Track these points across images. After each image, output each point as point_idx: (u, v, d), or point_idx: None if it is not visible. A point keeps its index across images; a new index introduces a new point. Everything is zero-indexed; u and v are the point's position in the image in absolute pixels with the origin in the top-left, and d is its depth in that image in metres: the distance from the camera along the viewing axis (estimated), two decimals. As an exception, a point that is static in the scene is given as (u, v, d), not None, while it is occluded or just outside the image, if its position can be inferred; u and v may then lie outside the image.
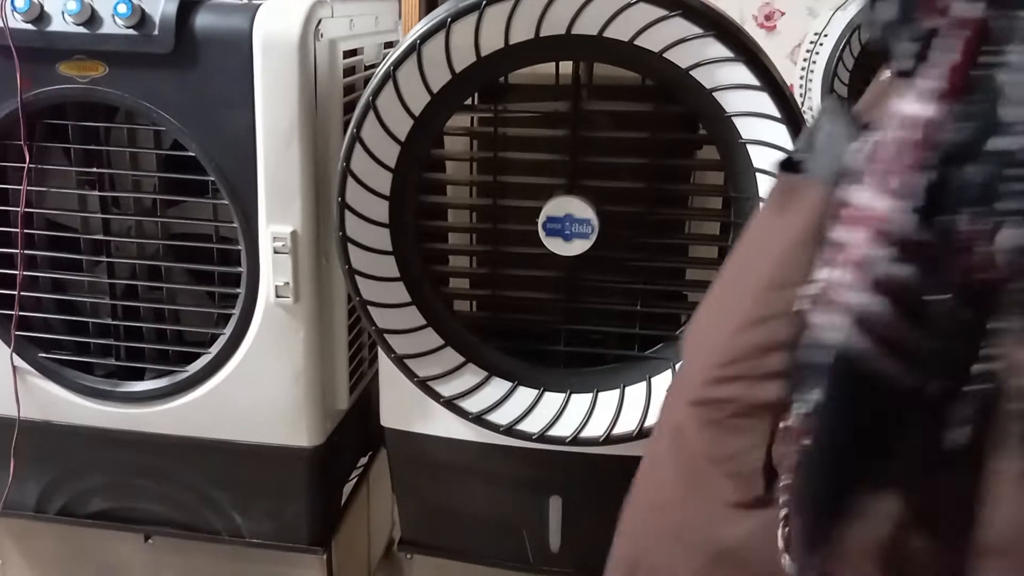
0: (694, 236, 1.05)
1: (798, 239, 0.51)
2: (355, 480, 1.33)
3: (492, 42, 0.92)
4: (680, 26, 0.88)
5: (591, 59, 0.95)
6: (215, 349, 1.10)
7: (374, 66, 1.12)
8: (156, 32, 0.97)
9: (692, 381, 0.57)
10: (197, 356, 1.12)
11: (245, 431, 1.12)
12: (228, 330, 1.08)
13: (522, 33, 0.92)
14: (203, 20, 0.97)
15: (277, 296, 1.04)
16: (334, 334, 1.12)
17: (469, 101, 0.99)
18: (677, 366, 1.02)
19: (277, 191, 1.01)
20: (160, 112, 0.99)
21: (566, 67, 0.97)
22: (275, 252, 1.02)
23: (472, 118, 1.02)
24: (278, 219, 1.02)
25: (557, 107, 0.97)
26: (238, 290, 1.08)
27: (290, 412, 1.10)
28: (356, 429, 1.27)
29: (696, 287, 1.03)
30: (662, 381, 1.03)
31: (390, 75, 0.93)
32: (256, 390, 1.09)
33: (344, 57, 1.05)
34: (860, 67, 1.86)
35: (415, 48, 0.92)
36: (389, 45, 1.25)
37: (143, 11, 0.96)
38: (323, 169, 1.03)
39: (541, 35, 0.92)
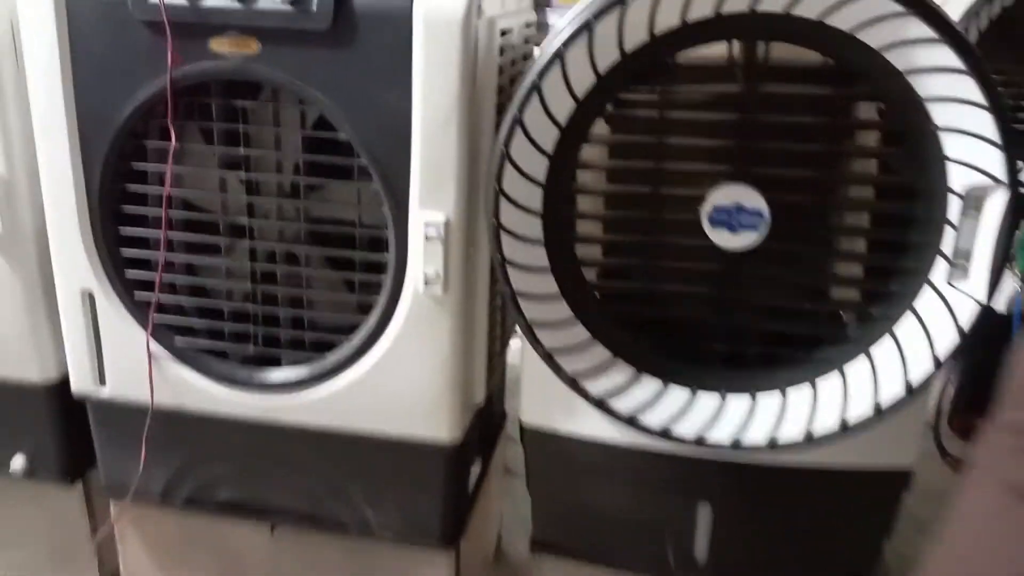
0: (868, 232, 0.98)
1: None
2: (477, 477, 1.30)
3: (668, 20, 0.88)
4: (876, 3, 0.82)
5: (774, 39, 0.89)
6: (357, 338, 1.07)
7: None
8: (314, 8, 0.94)
9: None
10: (333, 345, 1.09)
11: (383, 423, 1.09)
12: (372, 319, 1.06)
13: (701, 10, 0.87)
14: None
15: (426, 284, 1.01)
16: (476, 326, 1.08)
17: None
18: (845, 368, 0.96)
19: (432, 176, 0.97)
20: (315, 91, 0.97)
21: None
22: (427, 239, 0.99)
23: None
24: (431, 205, 0.98)
25: (730, 89, 0.92)
26: (381, 277, 1.05)
27: (431, 405, 1.06)
28: (482, 424, 1.23)
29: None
30: (827, 385, 0.97)
31: (560, 56, 0.88)
32: (398, 382, 1.06)
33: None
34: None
35: (588, 26, 0.87)
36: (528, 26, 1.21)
37: (300, -14, 0.94)
38: (476, 152, 1.00)
39: (722, 13, 0.87)
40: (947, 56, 0.82)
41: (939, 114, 0.85)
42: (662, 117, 0.93)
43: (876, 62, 0.85)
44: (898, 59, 0.84)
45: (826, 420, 0.96)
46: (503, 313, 1.22)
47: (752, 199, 0.92)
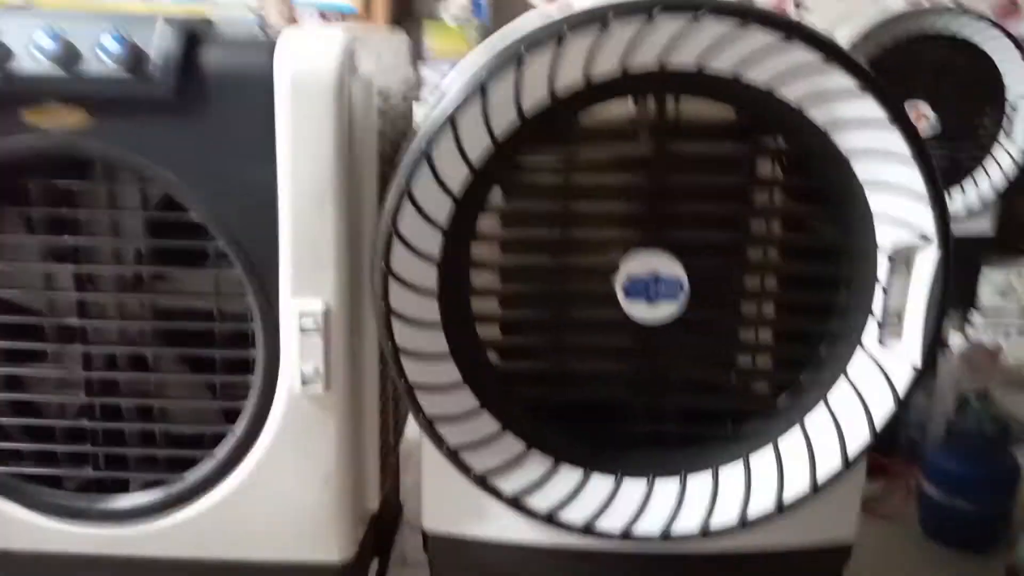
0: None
1: None
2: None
3: (570, 78, 0.78)
4: (793, 55, 0.76)
5: (684, 94, 0.81)
6: (222, 451, 0.90)
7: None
8: (154, 73, 0.79)
9: None
10: (194, 461, 0.92)
11: (260, 549, 0.92)
12: (240, 427, 0.90)
13: (606, 68, 0.78)
14: (212, 58, 0.80)
15: (303, 384, 0.86)
16: (365, 424, 0.94)
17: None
18: (778, 441, 0.89)
19: (306, 259, 0.84)
20: (159, 168, 0.81)
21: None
22: (302, 331, 0.84)
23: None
24: (306, 292, 0.84)
25: (638, 150, 0.83)
26: (249, 378, 0.89)
27: (317, 522, 0.91)
28: (377, 526, 1.08)
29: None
30: (760, 461, 0.89)
31: (452, 120, 0.77)
32: (275, 499, 0.90)
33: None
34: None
35: (482, 87, 0.77)
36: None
37: (136, 48, 0.78)
38: (357, 230, 0.87)
39: (628, 71, 0.78)
40: (869, 108, 0.77)
41: (862, 169, 0.80)
42: (566, 182, 0.84)
43: (794, 117, 0.79)
44: (818, 113, 0.79)
45: (761, 500, 0.88)
46: (396, 402, 1.08)
47: (669, 267, 0.84)
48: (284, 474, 0.90)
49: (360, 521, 0.96)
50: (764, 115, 0.81)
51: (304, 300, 0.84)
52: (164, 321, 0.91)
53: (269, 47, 0.81)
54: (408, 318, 0.84)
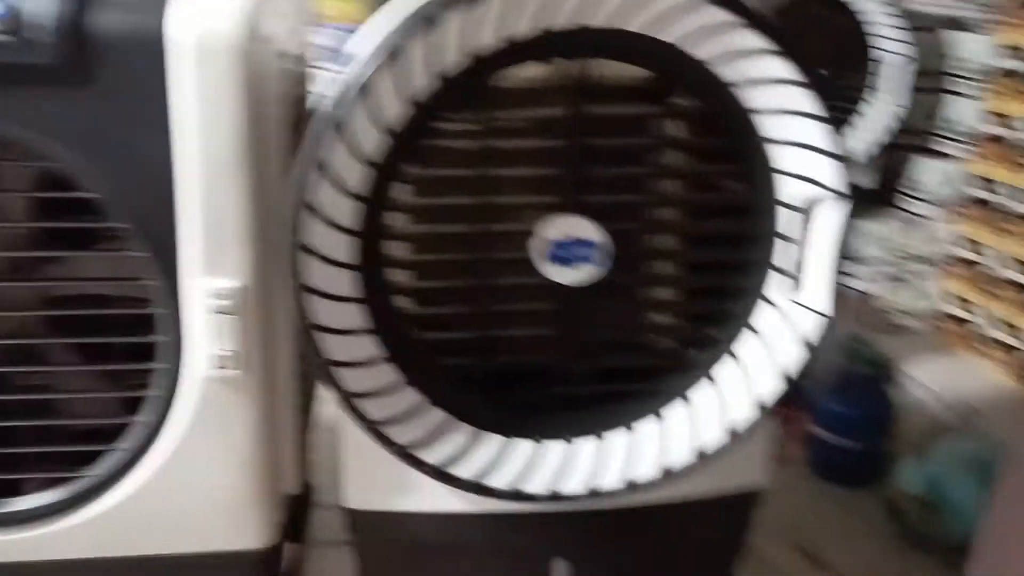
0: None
1: None
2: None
3: (485, 39, 0.77)
4: (705, 15, 0.77)
5: (599, 55, 0.81)
6: (127, 443, 0.85)
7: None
8: (34, 36, 0.72)
9: None
10: (98, 455, 0.87)
11: (175, 541, 0.88)
12: (145, 417, 0.85)
13: (521, 27, 0.77)
14: (101, 19, 0.73)
15: (218, 367, 0.82)
16: (282, 405, 0.91)
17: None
18: (690, 395, 0.91)
19: (216, 236, 0.79)
20: (44, 142, 0.75)
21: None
22: (216, 312, 0.80)
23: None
24: (217, 270, 0.80)
25: (555, 113, 0.83)
26: (155, 365, 0.84)
27: (236, 509, 0.88)
28: (294, 509, 1.05)
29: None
30: (675, 415, 0.92)
31: (366, 86, 0.75)
32: (189, 488, 0.86)
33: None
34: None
35: (396, 50, 0.74)
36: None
37: (15, 8, 0.71)
38: (265, 205, 0.83)
39: (543, 29, 0.77)
40: (776, 67, 0.79)
41: (769, 126, 0.82)
42: (484, 146, 0.83)
43: (705, 76, 0.81)
44: (727, 72, 0.80)
45: (680, 452, 0.90)
46: (308, 380, 1.05)
47: (587, 230, 0.84)
48: (198, 462, 0.85)
49: (279, 505, 0.93)
50: (676, 75, 0.81)
51: (217, 280, 0.80)
52: (56, 309, 0.84)
53: (162, 5, 0.75)
54: (325, 293, 0.81)
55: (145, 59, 0.74)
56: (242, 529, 0.89)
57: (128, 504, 0.86)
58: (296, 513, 1.09)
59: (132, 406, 0.86)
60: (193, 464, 0.85)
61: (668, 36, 0.79)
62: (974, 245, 2.03)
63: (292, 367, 0.91)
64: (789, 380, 0.87)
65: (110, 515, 0.86)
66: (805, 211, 0.84)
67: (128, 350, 0.85)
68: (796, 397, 1.69)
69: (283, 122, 0.84)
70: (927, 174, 2.13)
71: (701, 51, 0.79)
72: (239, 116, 0.76)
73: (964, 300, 2.04)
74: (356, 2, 2.13)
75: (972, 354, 1.98)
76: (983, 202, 2.00)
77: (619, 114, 0.84)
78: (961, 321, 2.03)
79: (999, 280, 1.93)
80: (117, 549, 0.87)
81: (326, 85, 0.79)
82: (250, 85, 0.76)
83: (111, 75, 0.74)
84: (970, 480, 1.43)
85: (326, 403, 1.35)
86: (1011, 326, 1.90)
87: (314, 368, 0.83)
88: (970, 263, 2.02)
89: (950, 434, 1.64)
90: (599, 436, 0.92)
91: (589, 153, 0.83)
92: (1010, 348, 1.89)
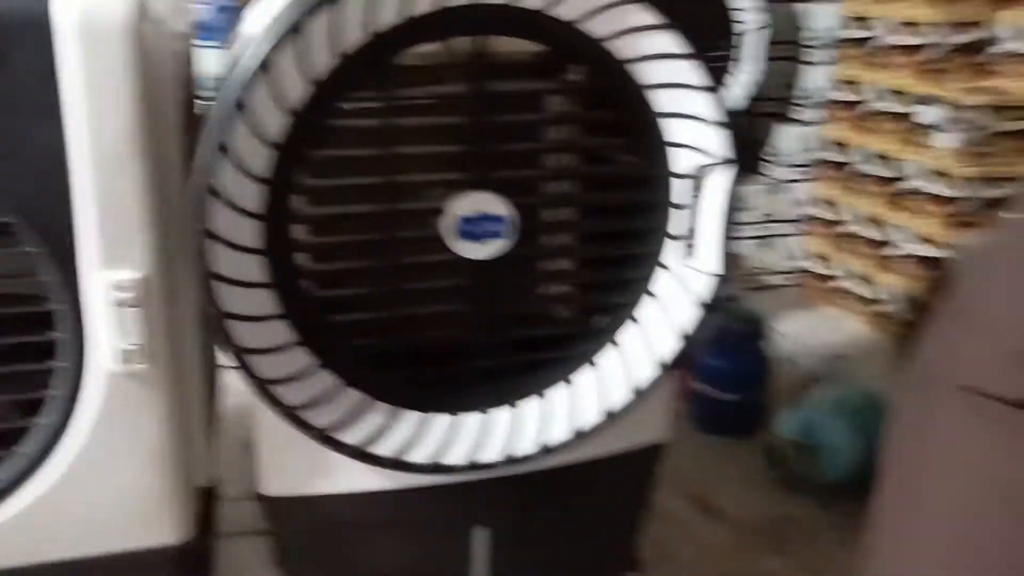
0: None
1: None
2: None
3: (386, 16, 0.77)
4: (597, -8, 0.80)
5: (496, 32, 0.83)
6: (29, 447, 0.82)
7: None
8: (-96, 21, 0.67)
9: None
10: (-4, 460, 0.83)
11: (88, 543, 0.85)
12: (48, 418, 0.81)
13: (421, 5, 0.78)
14: (-23, 2, 0.69)
15: (123, 361, 0.80)
16: (190, 397, 0.89)
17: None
18: (596, 360, 0.95)
19: (113, 226, 0.76)
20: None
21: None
22: (118, 305, 0.78)
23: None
24: (117, 262, 0.77)
25: (456, 89, 0.84)
26: (55, 364, 0.81)
27: (150, 505, 0.86)
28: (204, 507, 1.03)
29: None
30: (582, 379, 0.95)
31: (265, 65, 0.74)
32: (100, 487, 0.83)
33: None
34: None
35: (296, 28, 0.73)
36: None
37: None
38: (164, 190, 0.80)
39: (444, 6, 0.79)
40: (666, 42, 0.83)
41: (659, 99, 0.87)
42: (388, 125, 0.83)
43: (598, 53, 0.84)
44: (620, 47, 0.84)
45: (590, 413, 0.94)
46: (213, 370, 1.03)
47: (494, 205, 0.86)
48: (107, 460, 0.83)
49: (193, 497, 0.91)
50: (572, 51, 0.84)
51: (117, 272, 0.77)
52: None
53: (47, -13, 0.72)
54: (233, 279, 0.80)
55: (30, 42, 0.71)
56: (158, 525, 0.87)
57: (36, 509, 0.83)
58: (209, 505, 1.07)
59: (33, 408, 0.83)
60: (103, 463, 0.83)
61: (563, 14, 0.81)
62: (831, 206, 2.17)
63: (198, 358, 0.90)
64: (686, 338, 0.93)
65: (16, 521, 0.82)
66: (695, 178, 0.89)
67: (26, 349, 0.81)
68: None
69: (179, 105, 0.82)
70: (786, 140, 2.27)
71: (594, 27, 0.82)
72: (132, 100, 0.74)
73: (824, 258, 2.19)
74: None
75: (836, 308, 2.13)
76: (838, 164, 2.14)
77: (518, 90, 0.86)
78: (824, 277, 2.18)
79: (856, 237, 2.08)
80: (29, 556, 0.84)
81: (225, 65, 0.78)
82: (142, 68, 0.74)
83: (-8, 60, 0.71)
84: (841, 423, 1.55)
85: (229, 395, 1.33)
86: (868, 280, 2.05)
87: (225, 355, 0.82)
88: (829, 222, 2.17)
89: (820, 383, 1.77)
90: (513, 405, 0.95)
91: (491, 129, 0.85)
92: (868, 300, 2.05)
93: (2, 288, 0.79)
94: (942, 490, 0.61)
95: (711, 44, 2.17)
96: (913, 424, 0.70)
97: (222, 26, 2.02)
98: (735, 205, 0.89)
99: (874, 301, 2.02)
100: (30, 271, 0.78)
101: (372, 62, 0.79)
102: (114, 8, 0.72)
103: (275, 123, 0.77)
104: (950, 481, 0.60)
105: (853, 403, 1.58)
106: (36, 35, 0.71)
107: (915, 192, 1.92)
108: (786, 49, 2.20)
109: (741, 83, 2.18)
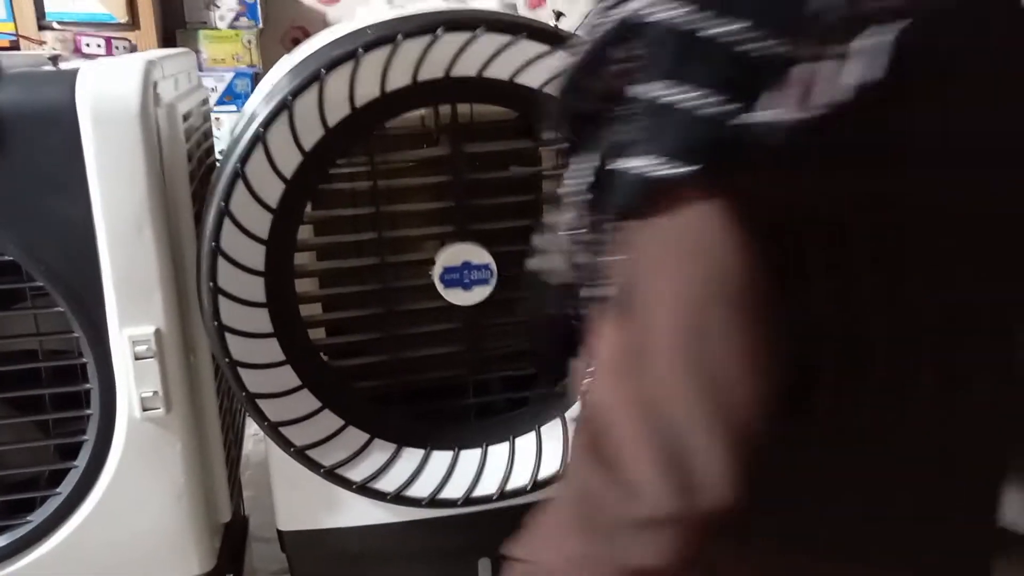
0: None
1: None
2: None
3: (367, 91, 0.86)
4: (557, 62, 0.88)
5: (470, 100, 0.91)
6: (66, 487, 0.91)
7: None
8: (-53, 116, 0.78)
9: None
10: (34, 504, 0.92)
11: (117, 575, 0.93)
12: (82, 461, 0.90)
13: (399, 79, 0.87)
14: (8, 94, 0.80)
15: (144, 409, 0.88)
16: (210, 439, 0.97)
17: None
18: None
19: (131, 287, 0.86)
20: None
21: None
22: (136, 359, 0.87)
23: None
24: (135, 319, 0.87)
25: (436, 152, 0.92)
26: (85, 412, 0.90)
27: (174, 539, 0.94)
28: (229, 535, 1.11)
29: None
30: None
31: (259, 138, 0.83)
32: (128, 524, 0.92)
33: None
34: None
35: (286, 105, 0.83)
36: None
37: (-75, 91, 0.78)
38: (177, 252, 0.90)
39: (419, 80, 0.87)
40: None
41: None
42: (376, 186, 0.92)
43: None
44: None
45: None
46: (234, 414, 1.11)
47: (478, 255, 0.94)
48: (134, 499, 0.91)
49: (215, 532, 0.99)
50: (539, 113, 0.92)
51: (134, 328, 0.87)
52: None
53: (69, 80, 0.82)
54: (241, 331, 0.89)
55: (57, 129, 0.82)
56: (181, 557, 0.95)
57: (71, 544, 0.91)
58: (234, 545, 1.15)
59: (70, 453, 0.92)
60: (130, 500, 0.91)
61: (530, 81, 0.89)
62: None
63: (216, 401, 0.98)
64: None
65: (55, 556, 0.91)
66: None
67: (59, 400, 0.91)
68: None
69: (189, 178, 0.91)
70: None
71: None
72: (143, 177, 0.83)
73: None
74: (236, 44, 2.21)
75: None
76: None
77: (494, 150, 0.94)
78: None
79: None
80: (65, 589, 0.92)
81: (228, 139, 0.88)
82: (151, 148, 0.83)
83: (25, 145, 0.81)
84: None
85: (256, 441, 1.42)
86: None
87: (239, 401, 0.91)
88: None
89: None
90: (511, 440, 1.01)
91: (471, 186, 0.93)
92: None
93: (38, 344, 0.89)
94: None
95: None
96: None
97: (245, 93, 2.18)
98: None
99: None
100: (63, 328, 0.88)
101: (356, 132, 0.88)
102: (127, 96, 0.82)
103: (273, 189, 0.86)
104: None
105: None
106: (63, 120, 0.81)
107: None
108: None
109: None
